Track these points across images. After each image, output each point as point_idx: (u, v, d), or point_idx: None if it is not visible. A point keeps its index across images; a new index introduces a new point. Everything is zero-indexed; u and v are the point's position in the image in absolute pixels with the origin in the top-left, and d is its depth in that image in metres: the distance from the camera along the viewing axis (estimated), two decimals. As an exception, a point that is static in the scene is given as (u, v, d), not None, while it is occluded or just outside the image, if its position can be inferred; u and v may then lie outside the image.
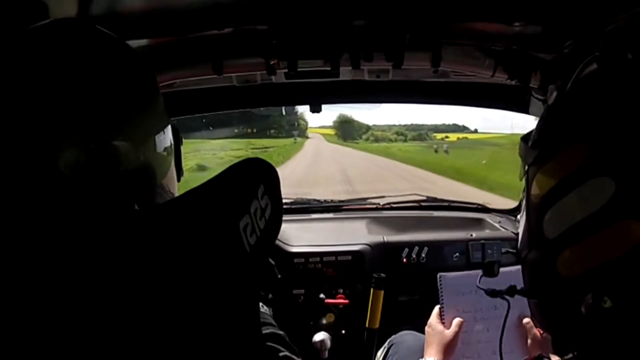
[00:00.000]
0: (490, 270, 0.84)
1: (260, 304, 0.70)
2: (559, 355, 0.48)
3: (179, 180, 0.52)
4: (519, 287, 0.52)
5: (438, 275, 0.92)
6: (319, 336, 1.20)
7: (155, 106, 0.45)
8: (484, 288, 0.67)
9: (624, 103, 0.37)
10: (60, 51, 0.38)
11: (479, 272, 0.84)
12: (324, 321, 1.26)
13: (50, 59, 0.37)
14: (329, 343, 1.19)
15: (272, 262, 1.03)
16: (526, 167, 0.47)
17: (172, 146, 0.49)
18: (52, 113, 0.35)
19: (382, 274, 1.11)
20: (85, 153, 0.36)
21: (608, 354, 0.39)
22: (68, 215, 0.35)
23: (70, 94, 0.36)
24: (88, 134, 0.37)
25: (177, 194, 0.49)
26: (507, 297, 0.61)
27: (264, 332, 0.55)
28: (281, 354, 0.52)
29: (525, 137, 0.50)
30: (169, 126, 0.48)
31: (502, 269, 0.90)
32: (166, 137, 0.47)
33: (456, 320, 0.88)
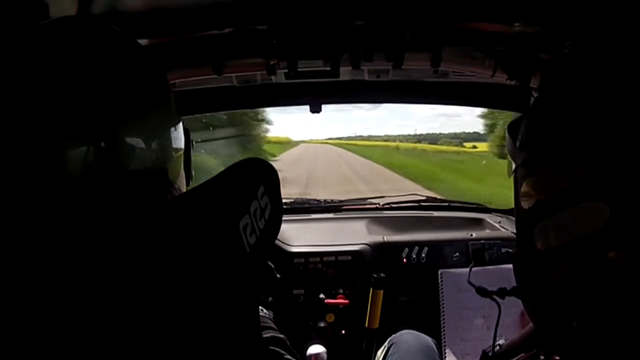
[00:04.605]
0: (481, 258, 0.83)
1: (260, 307, 0.70)
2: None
3: (187, 184, 0.51)
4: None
5: (439, 272, 0.92)
6: (314, 349, 1.14)
7: (165, 103, 0.44)
8: (475, 285, 0.67)
9: (625, 121, 0.34)
10: (68, 48, 0.37)
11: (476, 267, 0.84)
12: (324, 321, 1.26)
13: (57, 57, 0.37)
14: (325, 358, 1.14)
15: (272, 265, 1.03)
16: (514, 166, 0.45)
17: (184, 147, 0.47)
18: (61, 110, 0.35)
19: (382, 274, 1.11)
20: (95, 151, 0.36)
21: None
22: (73, 216, 0.35)
23: (78, 91, 0.36)
24: (97, 132, 0.36)
25: None
26: (497, 298, 0.61)
27: (265, 335, 0.55)
28: (286, 357, 0.52)
29: (511, 128, 0.47)
30: (181, 125, 0.47)
31: (498, 266, 0.90)
32: (178, 135, 0.46)
33: None
